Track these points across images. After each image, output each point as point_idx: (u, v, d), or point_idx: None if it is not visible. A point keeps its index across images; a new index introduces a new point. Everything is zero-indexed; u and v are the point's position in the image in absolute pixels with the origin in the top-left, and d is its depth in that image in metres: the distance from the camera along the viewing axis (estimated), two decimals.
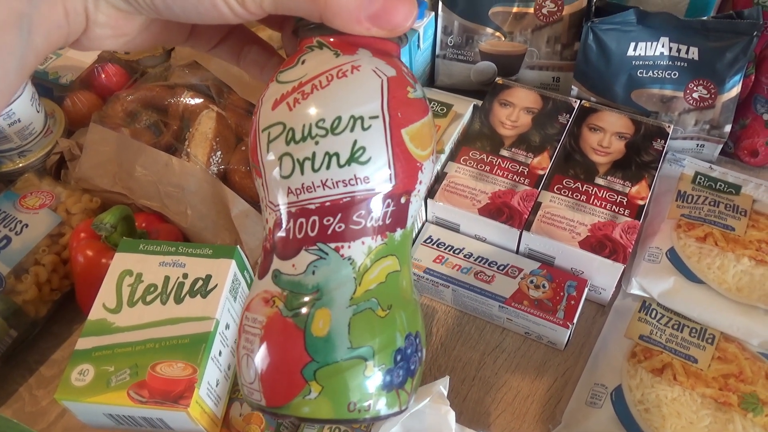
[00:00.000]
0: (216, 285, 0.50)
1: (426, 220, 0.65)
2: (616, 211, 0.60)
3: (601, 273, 0.59)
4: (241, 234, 0.60)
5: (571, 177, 0.63)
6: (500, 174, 0.64)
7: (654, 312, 0.60)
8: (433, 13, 0.74)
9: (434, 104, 0.70)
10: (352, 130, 0.24)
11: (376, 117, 0.24)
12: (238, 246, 0.52)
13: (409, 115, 0.25)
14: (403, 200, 0.26)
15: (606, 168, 0.64)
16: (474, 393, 0.59)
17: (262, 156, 0.25)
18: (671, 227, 0.64)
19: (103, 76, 0.78)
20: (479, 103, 0.71)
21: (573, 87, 0.72)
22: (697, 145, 0.71)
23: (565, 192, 0.62)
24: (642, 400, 0.55)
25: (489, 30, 0.74)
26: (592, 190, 0.62)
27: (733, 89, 0.67)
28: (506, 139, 0.67)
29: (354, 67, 0.24)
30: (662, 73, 0.68)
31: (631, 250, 0.58)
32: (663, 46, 0.67)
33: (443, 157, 0.66)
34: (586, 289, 0.59)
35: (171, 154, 0.64)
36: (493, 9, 0.73)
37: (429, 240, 0.64)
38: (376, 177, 0.25)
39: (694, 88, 0.67)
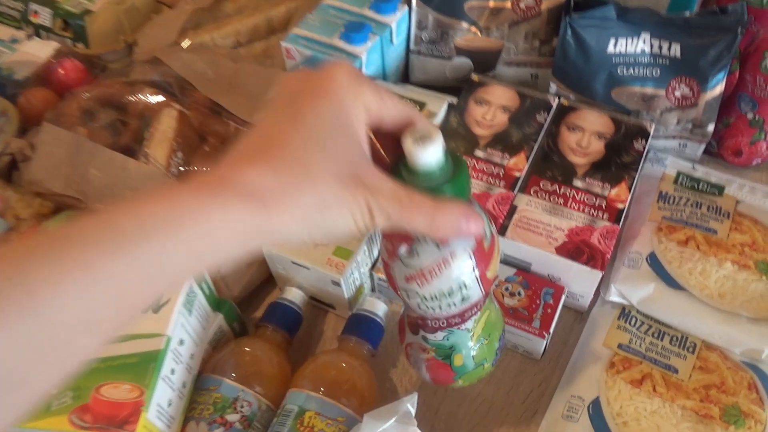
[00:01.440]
0: (168, 300, 0.47)
1: None
2: (595, 215, 0.58)
3: (579, 280, 0.57)
4: None
5: (549, 179, 0.60)
6: (475, 176, 0.61)
7: (633, 319, 0.58)
8: (407, 7, 0.71)
9: (407, 101, 0.67)
10: (460, 289, 0.39)
11: (472, 278, 0.39)
12: None
13: (488, 259, 0.39)
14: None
15: (585, 169, 0.61)
16: (446, 406, 0.56)
17: (403, 297, 0.41)
18: (652, 230, 0.62)
19: (61, 71, 0.75)
20: (454, 100, 0.68)
21: (551, 84, 0.69)
22: (680, 144, 0.69)
23: (542, 195, 0.59)
24: (620, 413, 0.53)
25: (465, 25, 0.71)
26: (570, 193, 0.59)
27: (717, 87, 0.64)
28: (481, 139, 0.64)
29: (452, 255, 0.37)
30: (643, 70, 0.65)
31: (609, 257, 0.55)
32: (644, 43, 0.64)
33: None
34: (564, 297, 0.57)
35: (129, 156, 0.61)
36: (468, 3, 0.69)
37: None
38: (475, 300, 0.41)
39: (677, 86, 0.65)
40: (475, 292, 0.40)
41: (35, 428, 0.42)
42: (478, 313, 0.43)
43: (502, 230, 0.57)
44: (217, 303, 0.55)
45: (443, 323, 0.42)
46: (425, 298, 0.40)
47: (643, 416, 0.52)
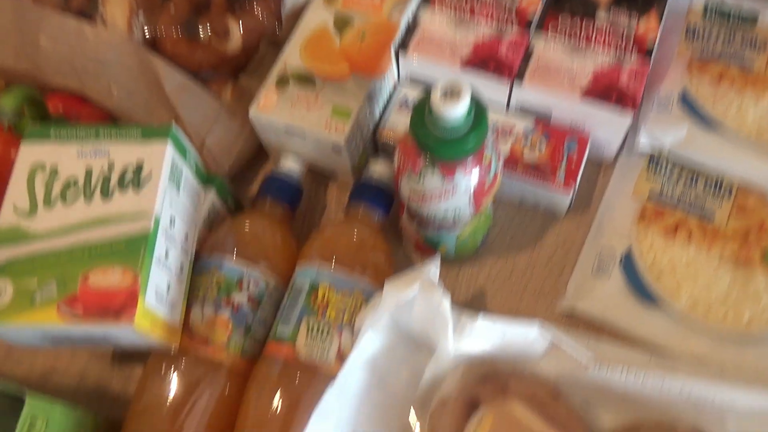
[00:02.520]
0: (151, 172, 0.41)
1: (398, 81, 0.55)
2: (622, 51, 0.51)
3: (606, 126, 0.51)
4: (179, 110, 0.50)
5: (568, 13, 0.53)
6: (483, 19, 0.53)
7: (663, 167, 0.53)
8: None
9: None
10: (454, 212, 0.43)
11: (466, 206, 0.43)
12: (174, 123, 0.43)
13: (487, 194, 0.43)
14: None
15: (608, 0, 0.54)
16: (465, 272, 0.53)
17: (404, 199, 0.45)
18: (682, 69, 0.55)
19: None
20: None
21: None
22: None
23: (561, 33, 0.52)
24: (654, 265, 0.49)
25: None
26: (593, 29, 0.52)
27: None
28: None
29: (453, 189, 0.41)
30: None
31: (640, 97, 0.49)
32: None
33: (414, 2, 0.55)
34: (588, 147, 0.51)
35: (83, 20, 0.52)
36: None
37: (405, 104, 0.54)
38: (466, 220, 0.45)
39: None
40: (467, 214, 0.44)
41: (22, 322, 0.37)
42: (468, 224, 0.46)
43: (519, 76, 0.51)
44: (206, 179, 0.49)
45: (435, 225, 0.46)
46: (422, 212, 0.44)
47: (678, 266, 0.49)
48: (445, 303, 0.41)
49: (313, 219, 0.56)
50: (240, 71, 0.58)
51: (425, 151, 0.39)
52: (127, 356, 0.51)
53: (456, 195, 0.41)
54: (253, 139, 0.55)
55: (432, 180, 0.40)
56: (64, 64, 0.52)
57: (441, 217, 0.44)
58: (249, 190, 0.57)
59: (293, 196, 0.51)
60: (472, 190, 0.42)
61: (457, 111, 0.36)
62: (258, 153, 0.57)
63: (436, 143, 0.38)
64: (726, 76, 0.54)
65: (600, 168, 0.56)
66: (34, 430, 0.37)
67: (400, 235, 0.53)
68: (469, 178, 0.41)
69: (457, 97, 0.35)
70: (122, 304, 0.37)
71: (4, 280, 0.38)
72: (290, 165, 0.52)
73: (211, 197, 0.49)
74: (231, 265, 0.45)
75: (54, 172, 0.41)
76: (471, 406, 0.43)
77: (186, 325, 0.44)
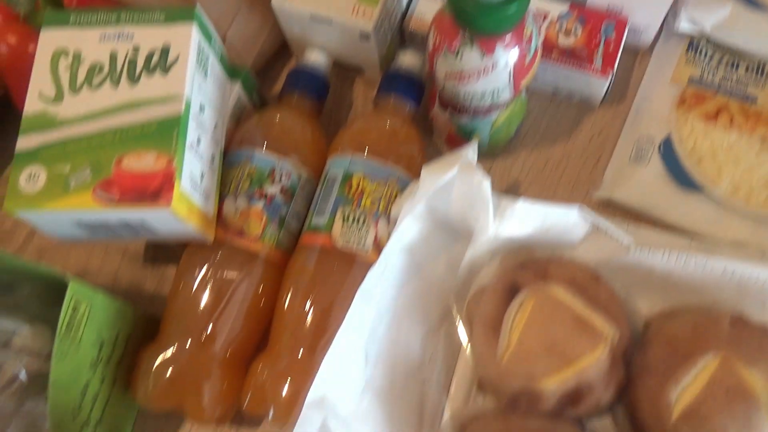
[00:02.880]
0: (178, 56, 0.39)
1: None
2: None
3: (645, 6, 0.49)
4: (198, 2, 0.47)
5: None
6: None
7: (704, 51, 0.51)
8: None
9: None
10: (492, 94, 0.42)
11: (506, 86, 0.41)
12: (198, 5, 0.41)
13: (526, 72, 0.41)
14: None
15: None
16: (498, 165, 0.51)
17: (438, 84, 0.44)
18: None
19: None
20: None
21: None
22: None
23: None
24: (694, 151, 0.48)
25: None
26: None
27: None
28: None
29: (493, 66, 0.39)
30: None
31: None
32: None
33: None
34: (626, 30, 0.49)
35: None
36: None
37: None
38: (503, 102, 0.43)
39: None
40: (505, 96, 0.42)
41: (57, 208, 0.37)
42: (504, 108, 0.45)
43: None
44: (232, 71, 0.48)
45: (470, 112, 0.44)
46: (459, 94, 0.42)
47: (719, 151, 0.48)
48: (486, 183, 0.40)
49: (339, 116, 0.54)
50: None
51: (463, 26, 0.38)
52: (159, 256, 0.51)
53: (495, 73, 0.40)
54: (276, 33, 0.53)
55: (470, 57, 0.39)
56: None
57: (478, 99, 0.42)
58: (273, 88, 0.55)
59: (320, 89, 0.50)
60: (512, 68, 0.40)
61: None
62: (280, 50, 0.55)
63: (477, 10, 0.36)
64: None
65: (636, 56, 0.54)
66: (78, 313, 0.37)
67: (430, 130, 0.52)
68: (509, 53, 0.39)
69: None
70: (158, 187, 0.37)
71: (37, 166, 0.37)
72: (316, 57, 0.50)
73: (237, 90, 0.47)
74: (262, 156, 0.44)
75: (77, 58, 0.40)
76: (511, 292, 0.42)
77: (219, 217, 0.43)
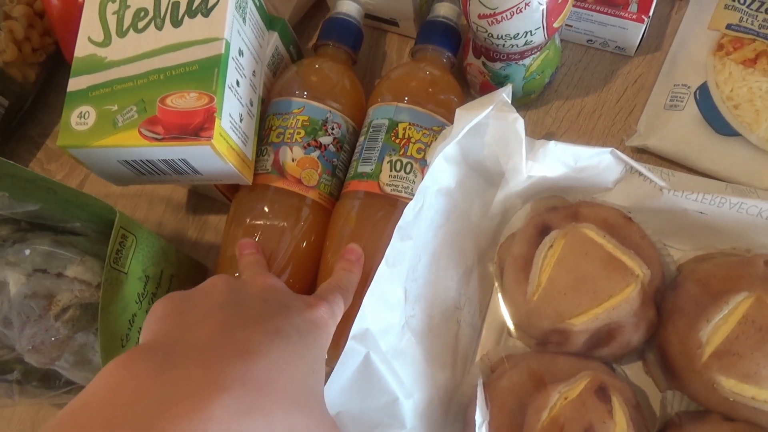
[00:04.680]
0: (218, 0, 0.41)
1: None
2: None
3: None
4: None
5: None
6: None
7: None
8: None
9: None
10: (525, 35, 0.42)
11: (539, 27, 0.42)
12: None
13: (560, 11, 0.42)
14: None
15: None
16: (531, 114, 0.52)
17: (472, 28, 0.44)
18: None
19: None
20: None
21: None
22: None
23: None
24: (731, 96, 0.47)
25: None
26: None
27: None
28: None
29: (527, 5, 0.40)
30: None
31: None
32: None
33: None
34: None
35: None
36: None
37: None
38: (536, 44, 0.44)
39: None
40: (539, 38, 0.43)
41: (106, 145, 0.39)
42: (537, 53, 0.46)
43: None
44: (269, 21, 0.49)
45: (504, 57, 0.45)
46: (492, 35, 0.43)
47: (757, 96, 0.47)
48: (520, 122, 0.41)
49: (374, 69, 0.55)
50: None
51: None
52: (200, 206, 0.53)
53: (528, 11, 0.40)
54: None
55: None
56: None
57: (512, 41, 0.42)
58: (309, 43, 0.56)
59: (355, 38, 0.51)
60: (545, 6, 0.40)
61: None
62: (316, 5, 0.56)
63: None
64: None
65: (673, 4, 0.53)
66: (125, 245, 0.39)
67: (464, 82, 0.52)
68: None
69: None
70: (200, 124, 0.38)
71: (87, 106, 0.39)
72: (349, 7, 0.51)
73: (274, 40, 0.49)
74: (314, 106, 0.45)
75: (124, 3, 0.41)
76: (542, 233, 0.43)
77: (276, 165, 0.44)
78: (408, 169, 0.43)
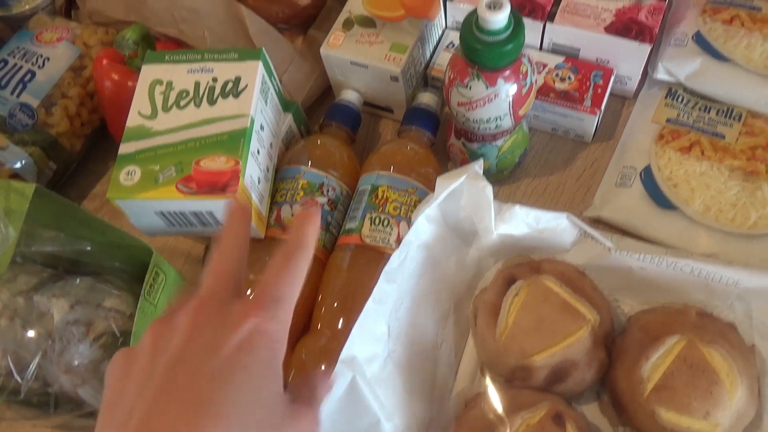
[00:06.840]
0: (246, 85, 0.50)
1: (446, 27, 0.64)
2: None
3: (627, 59, 0.59)
4: None
5: None
6: None
7: (680, 97, 0.60)
8: None
9: None
10: (495, 120, 0.51)
11: (507, 114, 0.51)
12: (264, 49, 0.52)
13: (523, 102, 0.51)
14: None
15: None
16: (504, 189, 0.61)
17: (453, 113, 0.54)
18: (697, 13, 0.63)
19: None
20: None
21: None
22: None
23: None
24: (671, 177, 0.56)
25: None
26: None
27: None
28: None
29: (495, 95, 0.49)
30: None
31: (657, 31, 0.57)
32: None
33: None
34: (613, 77, 0.59)
35: None
36: None
37: (451, 46, 0.63)
38: (505, 128, 0.54)
39: None
40: (507, 123, 0.52)
41: (148, 198, 0.47)
42: (507, 136, 0.55)
43: (551, 17, 0.59)
44: (285, 104, 0.59)
45: (479, 138, 0.55)
46: (469, 120, 0.52)
47: (692, 178, 0.56)
48: (489, 188, 0.49)
49: (371, 147, 0.65)
50: (309, 26, 0.67)
51: (472, 63, 0.48)
52: None
53: (497, 101, 0.49)
54: (322, 79, 0.64)
55: (477, 87, 0.49)
56: (166, 15, 0.62)
57: (485, 124, 0.52)
58: (317, 123, 0.66)
59: (354, 120, 0.60)
60: (511, 98, 0.50)
61: (499, 18, 0.44)
62: (324, 93, 0.66)
63: (482, 47, 0.46)
64: (736, 18, 0.61)
65: (624, 102, 0.63)
66: (158, 279, 0.46)
67: (447, 158, 0.61)
68: (509, 85, 0.49)
69: (500, 8, 0.44)
70: (227, 182, 0.47)
71: (134, 166, 0.48)
72: (350, 96, 0.61)
73: (289, 120, 0.58)
74: (313, 172, 0.54)
75: (169, 85, 0.51)
76: (509, 282, 0.50)
77: (278, 220, 0.52)
78: (385, 224, 0.51)
